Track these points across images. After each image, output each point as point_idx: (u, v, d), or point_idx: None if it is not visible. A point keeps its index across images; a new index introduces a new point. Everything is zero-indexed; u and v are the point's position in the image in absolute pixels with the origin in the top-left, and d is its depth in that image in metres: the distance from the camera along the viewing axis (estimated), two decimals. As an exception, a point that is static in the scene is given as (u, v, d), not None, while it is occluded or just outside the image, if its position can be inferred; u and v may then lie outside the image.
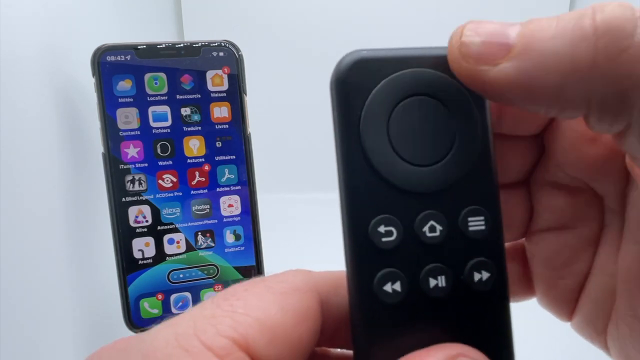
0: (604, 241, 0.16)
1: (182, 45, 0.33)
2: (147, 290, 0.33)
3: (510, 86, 0.12)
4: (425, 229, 0.14)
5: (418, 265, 0.14)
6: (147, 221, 0.33)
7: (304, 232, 0.54)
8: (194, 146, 0.34)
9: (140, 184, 0.33)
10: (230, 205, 0.35)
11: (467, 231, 0.14)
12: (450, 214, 0.14)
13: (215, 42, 0.34)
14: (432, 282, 0.14)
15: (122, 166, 0.33)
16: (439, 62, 0.14)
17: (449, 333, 0.14)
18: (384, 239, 0.14)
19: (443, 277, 0.14)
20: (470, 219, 0.14)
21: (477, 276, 0.14)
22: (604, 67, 0.11)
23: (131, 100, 0.32)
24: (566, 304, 0.17)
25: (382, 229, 0.14)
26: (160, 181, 0.33)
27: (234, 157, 0.34)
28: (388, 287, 0.14)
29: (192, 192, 0.34)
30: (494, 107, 0.15)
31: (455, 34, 0.13)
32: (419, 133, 0.14)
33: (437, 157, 0.14)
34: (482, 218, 0.14)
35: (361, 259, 0.14)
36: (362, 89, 0.14)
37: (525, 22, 0.12)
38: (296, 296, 0.14)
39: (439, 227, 0.14)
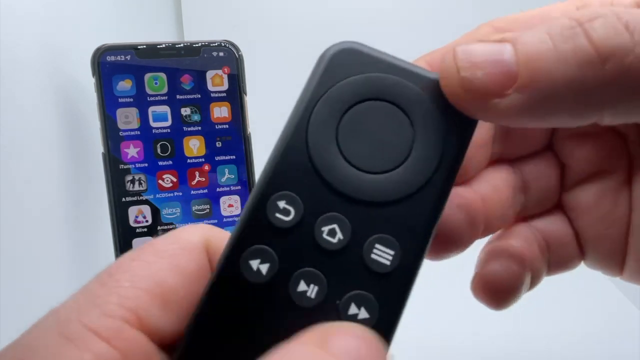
0: (636, 177, 0.17)
1: (182, 45, 0.33)
2: (147, 290, 0.33)
3: (524, 113, 0.12)
4: (325, 229, 0.13)
5: (297, 260, 0.12)
6: (147, 221, 0.33)
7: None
8: (194, 146, 0.34)
9: (140, 184, 0.33)
10: (230, 205, 0.35)
11: (367, 257, 0.12)
12: (360, 230, 0.13)
13: (215, 42, 0.34)
14: (302, 286, 0.12)
15: (122, 166, 0.33)
16: (427, 84, 0.13)
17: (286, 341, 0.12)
18: (277, 214, 0.12)
19: (316, 288, 0.12)
20: (377, 246, 0.13)
21: (353, 309, 0.12)
22: (614, 84, 0.12)
23: (131, 100, 0.32)
24: (616, 256, 0.17)
25: (282, 204, 0.13)
26: (160, 181, 0.33)
27: (234, 157, 0.34)
28: (254, 264, 0.12)
29: (192, 192, 0.34)
30: None
31: (449, 68, 0.13)
32: (371, 138, 0.13)
33: (378, 168, 0.13)
34: (391, 253, 0.13)
35: (247, 224, 0.13)
36: (337, 75, 0.13)
37: (515, 40, 0.12)
38: (186, 256, 0.13)
39: (339, 235, 0.13)
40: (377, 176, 0.13)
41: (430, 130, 0.13)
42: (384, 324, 0.12)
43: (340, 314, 0.12)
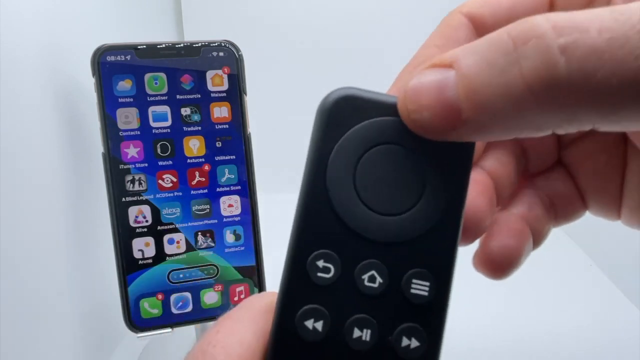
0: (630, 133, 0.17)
1: (182, 45, 0.33)
2: (147, 290, 0.33)
3: (479, 137, 0.13)
4: (365, 277, 0.14)
5: (347, 311, 0.14)
6: (147, 221, 0.33)
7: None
8: (194, 146, 0.34)
9: (140, 184, 0.33)
10: (230, 205, 0.35)
11: (408, 293, 0.14)
12: (396, 270, 0.14)
13: (215, 42, 0.34)
14: (356, 333, 0.13)
15: (122, 166, 0.33)
16: None
17: None
18: (319, 274, 0.13)
19: (369, 331, 0.13)
20: (414, 281, 0.14)
21: (405, 342, 0.13)
22: (552, 116, 0.12)
23: (131, 100, 0.32)
24: (614, 205, 0.18)
25: (320, 263, 0.13)
26: (160, 181, 0.33)
27: (234, 157, 0.34)
28: (309, 324, 0.13)
29: (192, 192, 0.34)
30: None
31: (402, 109, 0.13)
32: (386, 181, 0.14)
33: (398, 209, 0.14)
34: (427, 284, 0.14)
35: (291, 288, 0.14)
36: (341, 125, 0.14)
37: (458, 64, 0.12)
38: (262, 318, 0.14)
39: (379, 279, 0.14)
40: (400, 217, 0.14)
41: (437, 162, 0.14)
42: (433, 347, 0.14)
43: (395, 348, 0.13)
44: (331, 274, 0.14)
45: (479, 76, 0.12)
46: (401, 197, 0.14)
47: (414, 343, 0.13)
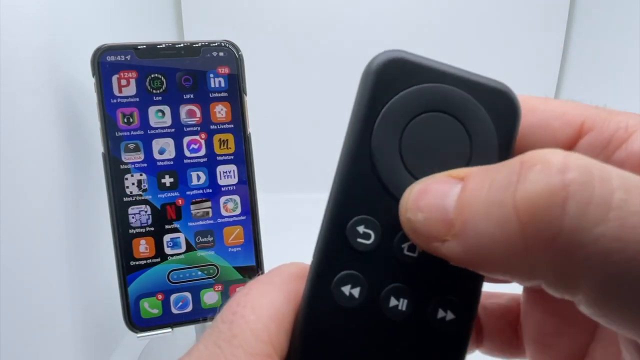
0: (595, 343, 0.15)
1: (182, 45, 0.33)
2: (147, 290, 0.33)
3: (462, 261, 0.12)
4: (405, 246, 0.13)
5: (385, 279, 0.13)
6: (147, 221, 0.33)
7: (304, 232, 0.54)
8: (194, 146, 0.34)
9: (140, 184, 0.33)
10: (230, 205, 0.35)
11: (446, 264, 0.13)
12: None
13: (215, 42, 0.34)
14: (393, 302, 0.13)
15: (122, 166, 0.33)
16: (476, 89, 0.13)
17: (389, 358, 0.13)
18: (359, 240, 0.13)
19: (406, 300, 0.13)
20: None
21: (440, 313, 0.13)
22: (538, 253, 0.10)
23: (131, 100, 0.32)
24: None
25: (361, 229, 0.13)
26: (160, 181, 0.33)
27: (233, 157, 0.34)
28: (346, 289, 0.13)
29: (192, 191, 0.34)
30: None
31: (402, 206, 0.13)
32: (432, 150, 0.13)
33: None
34: None
35: (330, 252, 0.13)
36: (389, 89, 0.13)
37: (463, 184, 0.12)
38: (292, 283, 0.14)
39: (418, 249, 0.13)
40: None
41: (484, 134, 0.14)
42: (467, 321, 0.13)
43: (430, 320, 0.13)
44: (371, 241, 0.13)
45: (476, 192, 0.11)
46: (446, 167, 0.13)
47: (450, 315, 0.13)
